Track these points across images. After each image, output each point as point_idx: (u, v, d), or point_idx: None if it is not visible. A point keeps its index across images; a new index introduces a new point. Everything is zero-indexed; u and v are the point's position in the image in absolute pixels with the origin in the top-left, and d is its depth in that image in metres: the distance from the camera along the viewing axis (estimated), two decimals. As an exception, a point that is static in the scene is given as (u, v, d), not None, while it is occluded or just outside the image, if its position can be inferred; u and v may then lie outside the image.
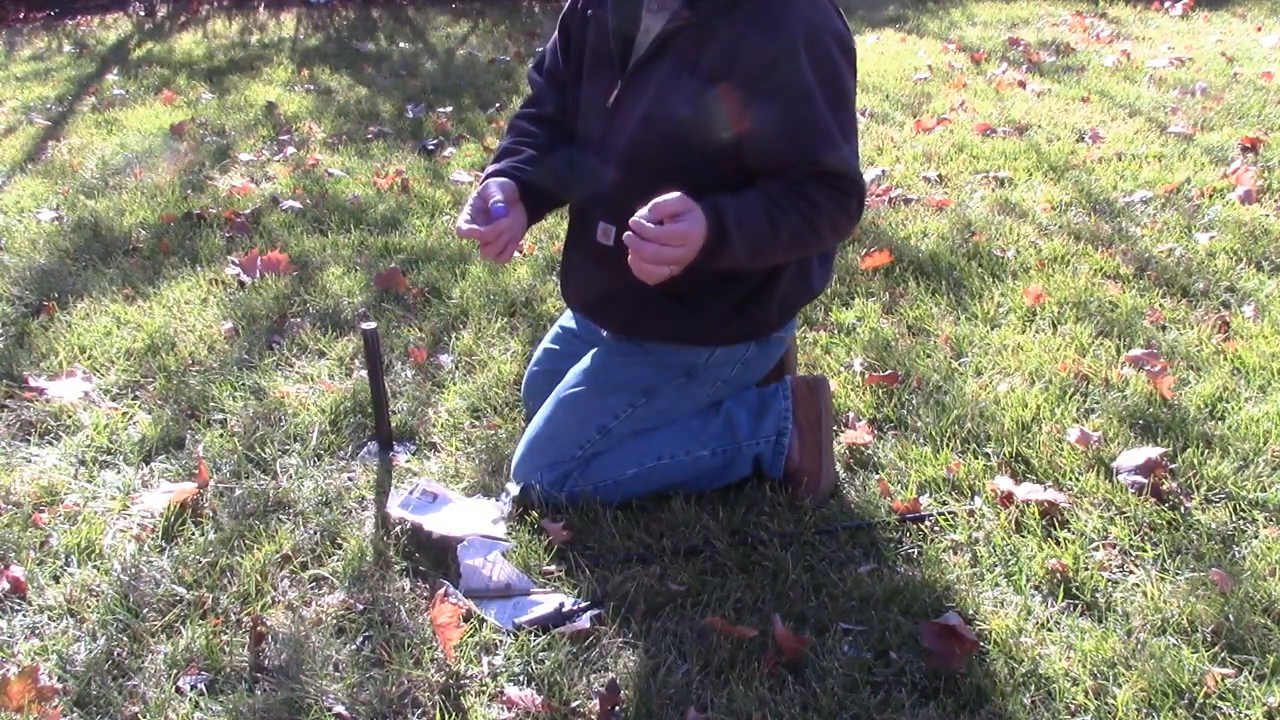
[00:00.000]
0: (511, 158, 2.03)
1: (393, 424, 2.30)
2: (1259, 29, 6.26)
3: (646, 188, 1.75)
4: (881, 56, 5.96)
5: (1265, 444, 2.17)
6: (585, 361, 2.11)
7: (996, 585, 1.83)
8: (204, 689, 1.65)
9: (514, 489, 2.04)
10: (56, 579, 1.90)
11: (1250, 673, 1.62)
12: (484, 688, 1.64)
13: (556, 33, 2.13)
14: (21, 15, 8.39)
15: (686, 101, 1.85)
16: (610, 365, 2.07)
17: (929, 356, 2.58)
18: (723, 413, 2.08)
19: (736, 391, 2.12)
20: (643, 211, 1.69)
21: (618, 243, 1.89)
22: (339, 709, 1.60)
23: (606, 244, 1.97)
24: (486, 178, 1.99)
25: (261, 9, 8.35)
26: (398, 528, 1.98)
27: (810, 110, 1.80)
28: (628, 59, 1.94)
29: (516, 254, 2.24)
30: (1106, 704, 1.58)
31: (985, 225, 3.37)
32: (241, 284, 3.11)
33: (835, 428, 2.23)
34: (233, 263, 3.23)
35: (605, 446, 2.03)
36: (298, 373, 2.61)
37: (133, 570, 1.90)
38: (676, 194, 1.70)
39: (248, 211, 3.67)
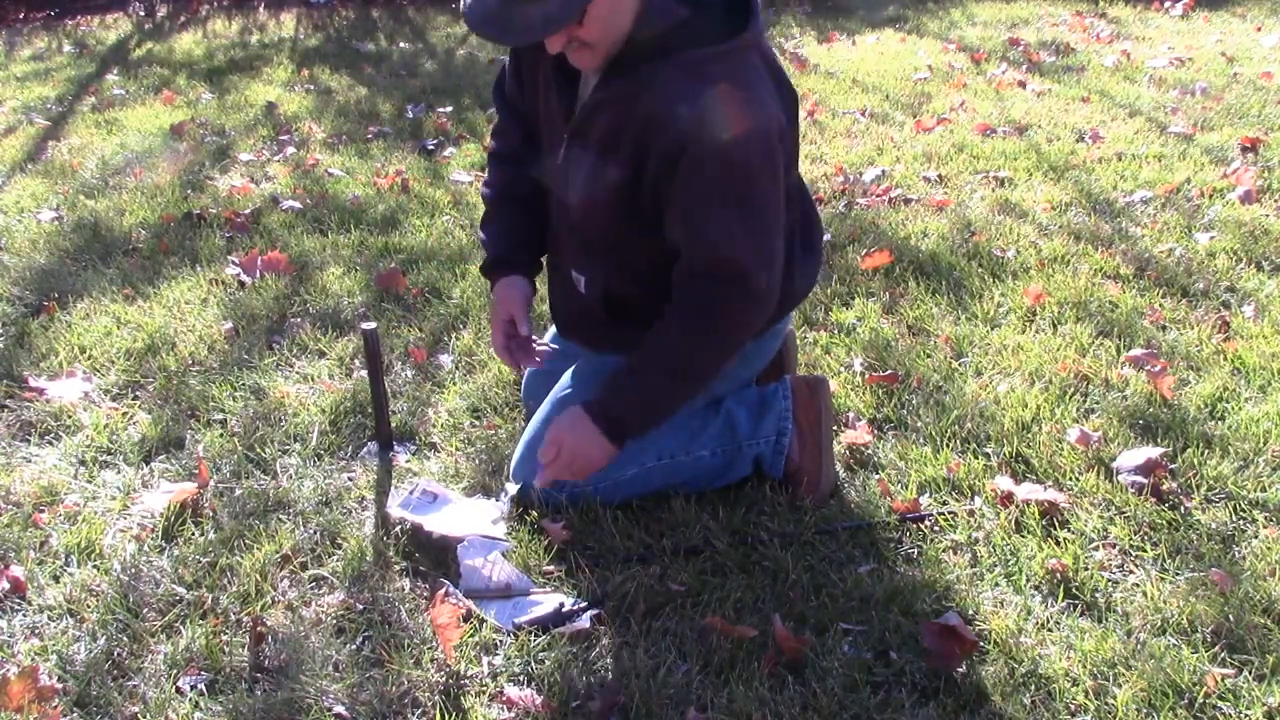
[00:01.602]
0: (507, 239, 2.08)
1: (393, 424, 2.30)
2: (1259, 29, 6.26)
3: (602, 248, 1.84)
4: (881, 56, 5.96)
5: (1265, 444, 2.17)
6: (581, 363, 2.12)
7: (996, 585, 1.83)
8: (204, 689, 1.65)
9: (513, 489, 2.04)
10: (56, 579, 1.90)
11: (1250, 673, 1.62)
12: (484, 688, 1.64)
13: (508, 54, 2.06)
14: (21, 15, 8.39)
15: (618, 172, 1.79)
16: (605, 365, 2.07)
17: (929, 356, 2.58)
18: (722, 413, 2.07)
19: (736, 385, 2.12)
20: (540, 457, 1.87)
21: (589, 288, 1.98)
22: (339, 709, 1.60)
23: (580, 291, 2.00)
24: (492, 266, 2.09)
25: (261, 9, 8.35)
26: (398, 528, 1.98)
27: (703, 206, 1.74)
28: (573, 112, 1.88)
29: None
30: (1106, 704, 1.58)
31: (985, 225, 3.37)
32: (241, 284, 3.11)
33: (835, 428, 2.23)
34: (233, 263, 3.23)
35: None
36: (298, 373, 2.61)
37: (133, 570, 1.90)
38: (551, 433, 1.82)
39: (248, 211, 3.67)
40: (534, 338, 2.06)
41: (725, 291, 1.80)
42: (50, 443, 2.34)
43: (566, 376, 2.11)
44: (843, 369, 2.54)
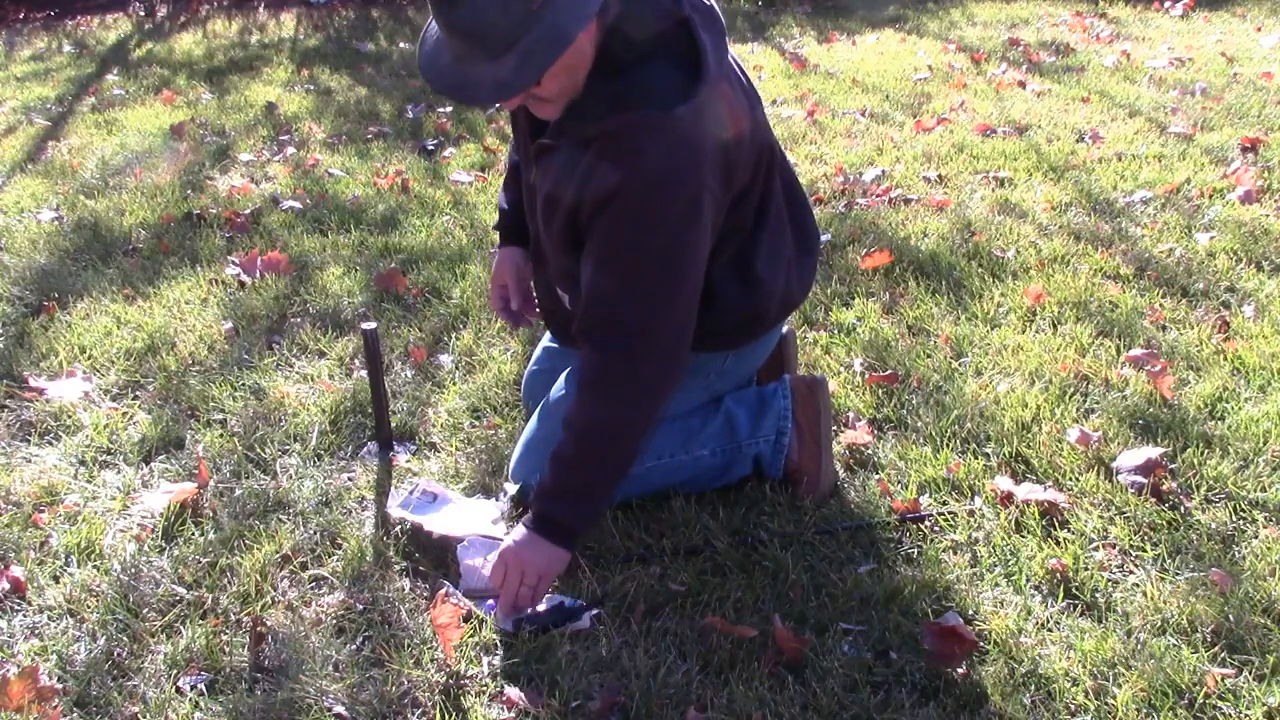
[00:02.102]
0: (517, 211, 2.08)
1: (393, 424, 2.30)
2: (1259, 29, 6.26)
3: (566, 272, 1.83)
4: (881, 56, 5.96)
5: (1265, 444, 2.17)
6: (577, 363, 2.12)
7: (996, 585, 1.83)
8: (204, 689, 1.65)
9: (513, 489, 2.04)
10: (56, 579, 1.90)
11: (1250, 673, 1.62)
12: (484, 688, 1.64)
13: None
14: (21, 15, 8.39)
15: (565, 214, 1.77)
16: None
17: (929, 356, 2.58)
18: (722, 412, 2.07)
19: (733, 382, 2.12)
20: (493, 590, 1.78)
21: (573, 305, 1.94)
22: (339, 709, 1.60)
23: (565, 306, 1.98)
24: (499, 229, 2.14)
25: (261, 9, 8.35)
26: (398, 528, 1.98)
27: (602, 263, 1.72)
28: (540, 132, 1.85)
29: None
30: (1106, 704, 1.58)
31: (985, 225, 3.37)
32: (241, 284, 3.11)
33: (835, 428, 2.23)
34: (233, 263, 3.23)
35: None
36: (298, 373, 2.61)
37: (133, 570, 1.90)
38: (497, 564, 1.74)
39: (248, 211, 3.67)
40: (532, 300, 2.08)
41: (619, 356, 1.74)
42: (50, 443, 2.34)
43: (564, 377, 2.11)
44: (843, 369, 2.54)
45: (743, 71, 1.91)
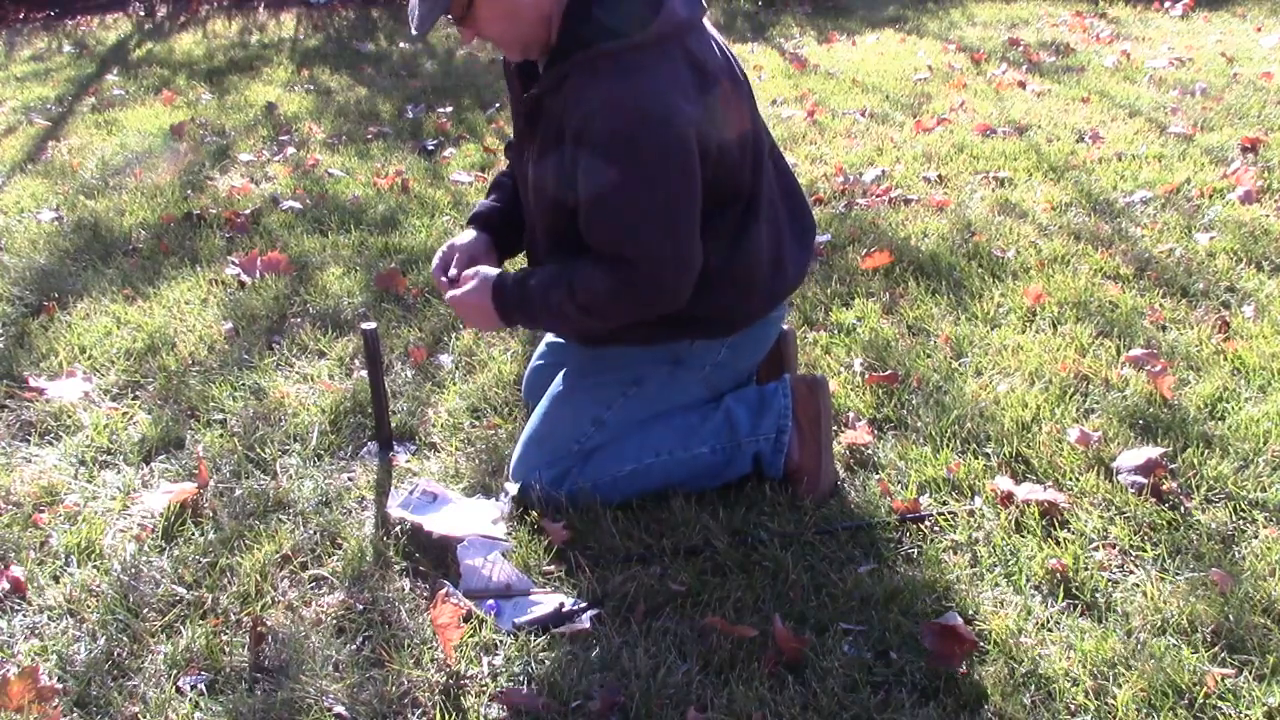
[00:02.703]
0: (488, 208, 2.17)
1: (393, 424, 2.30)
2: (1259, 29, 6.26)
3: (570, 249, 1.90)
4: (881, 56, 5.96)
5: (1265, 444, 2.17)
6: (573, 361, 2.14)
7: (996, 585, 1.83)
8: (204, 689, 1.65)
9: (513, 489, 2.04)
10: (56, 579, 1.90)
11: (1250, 673, 1.62)
12: (484, 688, 1.64)
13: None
14: (21, 15, 8.39)
15: (552, 167, 1.88)
16: (598, 358, 2.09)
17: (929, 356, 2.58)
18: (722, 410, 2.08)
19: (731, 376, 2.12)
20: (452, 273, 2.03)
21: None
22: (339, 709, 1.60)
23: None
24: (470, 218, 2.19)
25: (261, 9, 8.35)
26: (398, 528, 1.98)
27: (600, 202, 1.82)
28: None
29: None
30: (1106, 704, 1.58)
31: (985, 225, 3.37)
32: (241, 284, 3.11)
33: (835, 428, 2.23)
34: (233, 263, 3.23)
35: (602, 439, 2.04)
36: (298, 373, 2.61)
37: (133, 570, 1.90)
38: (476, 269, 1.94)
39: (248, 211, 3.68)
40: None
41: (624, 278, 1.85)
42: (50, 443, 2.34)
43: (561, 375, 2.13)
44: (843, 369, 2.54)
45: (728, 51, 1.99)
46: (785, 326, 2.34)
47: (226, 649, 1.72)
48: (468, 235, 2.13)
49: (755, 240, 1.96)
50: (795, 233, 2.07)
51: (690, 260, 1.86)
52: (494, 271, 1.98)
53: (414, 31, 1.83)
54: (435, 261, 2.12)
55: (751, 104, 1.99)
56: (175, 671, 1.67)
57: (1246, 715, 1.56)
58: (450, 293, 2.00)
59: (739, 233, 1.94)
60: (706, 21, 1.95)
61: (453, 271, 2.06)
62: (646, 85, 1.78)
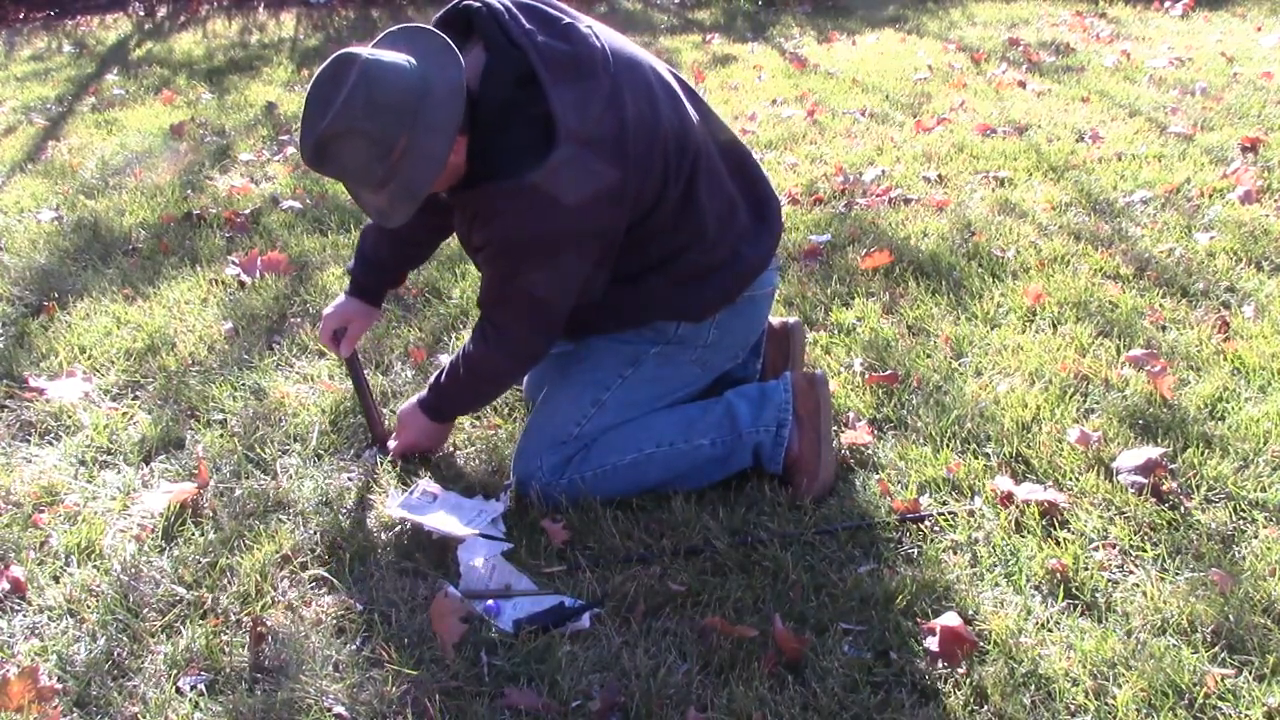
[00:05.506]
0: (366, 264, 2.28)
1: (389, 424, 2.30)
2: (1259, 29, 6.26)
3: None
4: (881, 56, 5.96)
5: (1265, 444, 2.17)
6: (569, 353, 2.17)
7: (996, 585, 1.83)
8: (204, 689, 1.65)
9: (513, 482, 2.05)
10: (56, 579, 1.90)
11: (1250, 673, 1.62)
12: (484, 688, 1.64)
13: None
14: (21, 15, 8.39)
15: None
16: (592, 344, 2.12)
17: (929, 356, 2.58)
18: (723, 403, 2.09)
19: (726, 355, 2.15)
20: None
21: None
22: (339, 709, 1.60)
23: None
24: (350, 284, 2.31)
25: (261, 9, 8.35)
26: (398, 528, 1.98)
27: (486, 286, 1.98)
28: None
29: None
30: (1106, 704, 1.58)
31: (985, 225, 3.37)
32: (241, 284, 3.11)
33: (835, 428, 2.23)
34: (233, 263, 3.23)
35: (603, 422, 2.04)
36: (298, 373, 2.61)
37: (133, 570, 1.90)
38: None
39: (248, 211, 3.67)
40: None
41: (492, 338, 2.01)
42: (50, 443, 2.34)
43: (558, 368, 2.17)
44: (843, 369, 2.54)
45: (663, 74, 1.99)
46: (792, 320, 2.35)
47: (226, 649, 1.72)
48: (337, 302, 2.27)
49: (697, 226, 1.96)
50: (750, 205, 2.06)
51: (541, 339, 2.01)
52: (410, 401, 2.19)
53: (388, 225, 1.89)
54: (325, 330, 2.26)
55: (668, 93, 1.96)
56: (175, 671, 1.67)
57: (1246, 715, 1.56)
58: (391, 444, 2.21)
59: (677, 227, 1.95)
60: (600, 25, 1.94)
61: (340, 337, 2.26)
62: (529, 221, 1.81)
